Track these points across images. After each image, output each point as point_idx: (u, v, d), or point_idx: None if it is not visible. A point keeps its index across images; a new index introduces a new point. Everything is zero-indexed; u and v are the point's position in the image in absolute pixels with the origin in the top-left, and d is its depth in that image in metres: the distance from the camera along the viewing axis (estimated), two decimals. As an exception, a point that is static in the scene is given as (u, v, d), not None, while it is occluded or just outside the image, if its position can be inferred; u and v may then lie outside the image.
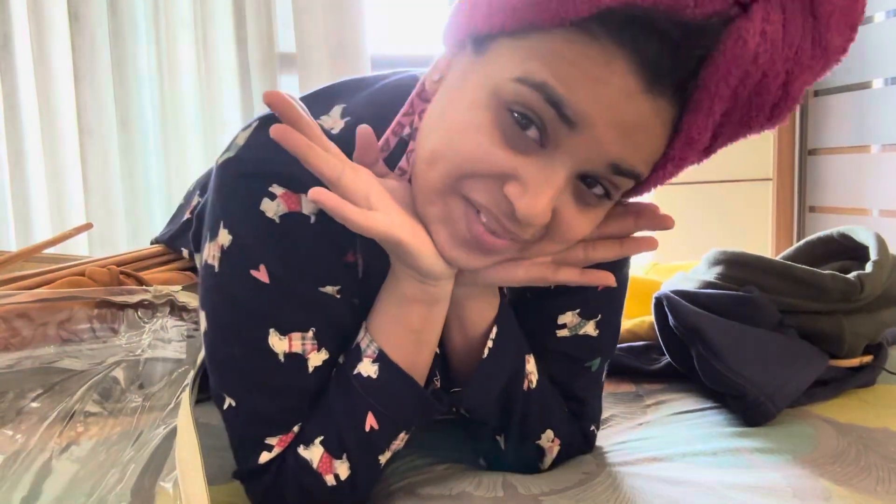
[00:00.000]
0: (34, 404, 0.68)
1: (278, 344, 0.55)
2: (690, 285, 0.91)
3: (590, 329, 0.66)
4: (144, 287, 0.82)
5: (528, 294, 0.67)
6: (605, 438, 0.74)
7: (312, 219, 0.55)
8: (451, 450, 0.71)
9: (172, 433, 0.61)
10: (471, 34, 0.49)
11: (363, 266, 0.60)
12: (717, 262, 0.91)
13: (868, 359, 0.86)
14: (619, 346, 0.97)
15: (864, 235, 0.90)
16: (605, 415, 0.80)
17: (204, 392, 0.66)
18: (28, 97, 1.78)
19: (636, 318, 1.02)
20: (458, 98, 0.49)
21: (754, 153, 2.12)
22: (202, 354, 0.67)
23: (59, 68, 1.79)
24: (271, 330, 0.55)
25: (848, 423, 0.75)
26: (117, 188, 1.83)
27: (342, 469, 0.56)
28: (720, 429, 0.74)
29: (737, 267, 0.88)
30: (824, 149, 2.04)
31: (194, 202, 0.86)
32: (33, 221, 1.81)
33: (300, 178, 0.54)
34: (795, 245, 0.98)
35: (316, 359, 0.57)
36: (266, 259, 0.54)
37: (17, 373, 0.72)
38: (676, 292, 0.87)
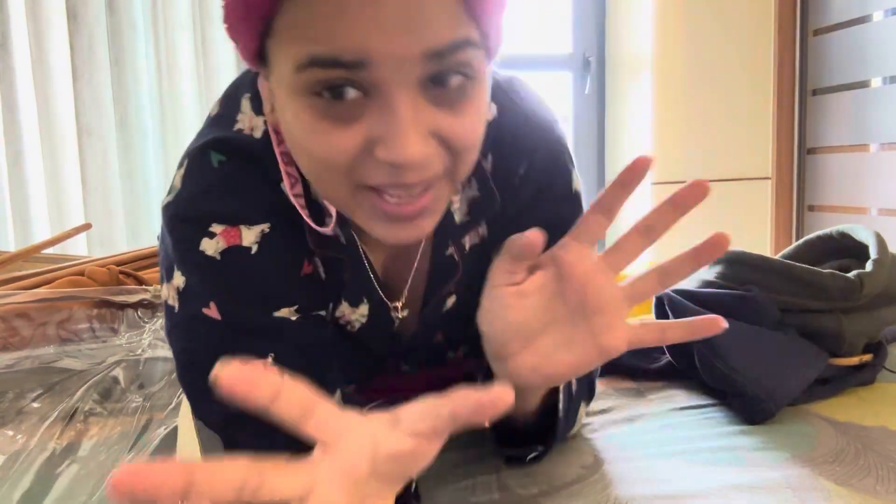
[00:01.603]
0: (34, 404, 0.68)
1: None
2: (690, 285, 0.91)
3: None
4: (144, 286, 0.82)
5: None
6: (604, 433, 0.74)
7: (254, 249, 0.55)
8: (450, 450, 0.71)
9: (172, 433, 0.61)
10: (250, 59, 0.48)
11: (323, 265, 0.59)
12: (717, 262, 0.90)
13: (868, 357, 0.86)
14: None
15: (863, 234, 0.90)
16: (603, 405, 0.81)
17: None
18: (26, 97, 1.78)
19: (636, 317, 1.02)
20: (287, 117, 0.47)
21: (753, 152, 2.11)
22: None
23: (58, 68, 1.78)
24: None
25: (847, 421, 0.75)
26: (116, 188, 1.83)
27: None
28: (720, 427, 0.74)
29: (737, 266, 0.88)
30: (823, 147, 2.04)
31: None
32: (32, 221, 1.81)
33: (238, 211, 0.55)
34: (795, 244, 0.98)
35: None
36: (214, 296, 0.55)
37: (17, 373, 0.72)
38: (677, 291, 0.87)
